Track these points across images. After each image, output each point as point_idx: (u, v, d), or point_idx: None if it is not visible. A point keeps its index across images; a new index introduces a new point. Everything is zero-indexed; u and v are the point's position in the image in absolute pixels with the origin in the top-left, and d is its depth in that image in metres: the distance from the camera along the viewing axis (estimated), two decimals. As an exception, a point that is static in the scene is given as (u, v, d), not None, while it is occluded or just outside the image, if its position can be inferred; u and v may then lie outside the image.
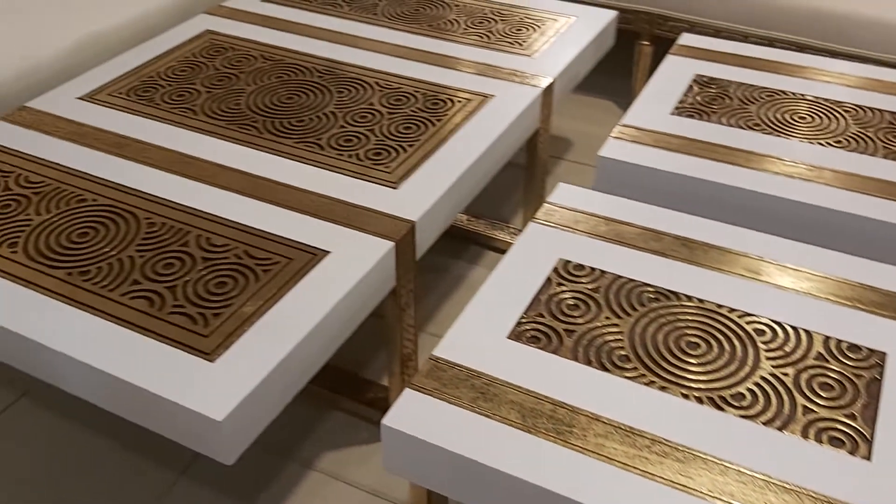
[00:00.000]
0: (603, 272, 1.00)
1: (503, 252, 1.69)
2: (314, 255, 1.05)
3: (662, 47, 2.00)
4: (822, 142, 1.27)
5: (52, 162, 1.23)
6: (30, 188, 1.18)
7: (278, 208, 1.13)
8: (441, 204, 1.17)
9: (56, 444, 1.29)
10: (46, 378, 0.99)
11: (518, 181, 1.87)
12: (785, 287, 0.97)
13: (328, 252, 1.06)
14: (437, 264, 1.64)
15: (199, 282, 1.01)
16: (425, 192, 1.17)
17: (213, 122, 1.32)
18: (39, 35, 1.57)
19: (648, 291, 0.96)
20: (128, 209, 1.14)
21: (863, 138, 1.28)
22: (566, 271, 1.00)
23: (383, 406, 1.31)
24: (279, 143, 1.27)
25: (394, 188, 1.17)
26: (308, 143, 1.27)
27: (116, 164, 1.23)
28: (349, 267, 1.04)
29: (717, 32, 1.87)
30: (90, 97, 1.40)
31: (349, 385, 1.36)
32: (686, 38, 1.58)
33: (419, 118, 1.33)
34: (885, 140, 1.27)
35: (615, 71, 2.20)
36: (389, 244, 1.07)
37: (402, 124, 1.32)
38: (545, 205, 1.12)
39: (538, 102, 1.43)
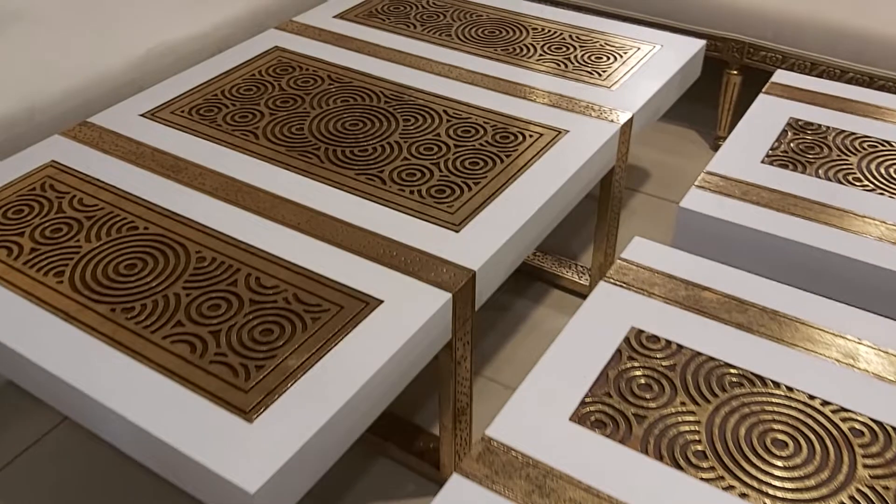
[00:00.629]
0: (680, 347, 0.90)
1: (569, 291, 1.60)
2: (366, 304, 0.99)
3: (752, 77, 1.88)
4: (932, 203, 1.15)
5: (107, 184, 1.20)
6: (83, 212, 1.15)
7: (333, 248, 1.07)
8: (504, 251, 1.10)
9: (93, 469, 1.26)
10: (80, 420, 0.94)
11: (591, 214, 1.77)
12: (888, 379, 0.86)
13: (381, 301, 0.99)
14: (498, 302, 1.56)
15: (244, 327, 0.96)
16: (488, 238, 1.09)
17: (273, 148, 1.27)
18: (110, 44, 1.55)
19: (731, 374, 0.87)
20: (179, 240, 1.09)
21: (979, 201, 1.15)
22: (638, 343, 0.91)
23: (433, 459, 1.24)
24: (339, 174, 1.21)
25: (455, 231, 1.10)
26: (369, 176, 1.21)
27: (171, 189, 1.18)
28: (402, 319, 0.97)
29: (812, 66, 1.74)
30: (152, 114, 1.37)
31: (399, 432, 1.29)
32: (780, 76, 1.46)
33: (487, 153, 1.26)
34: None
35: (699, 98, 2.08)
36: (447, 295, 1.00)
37: (468, 159, 1.24)
38: (618, 261, 1.03)
39: (615, 139, 1.33)
